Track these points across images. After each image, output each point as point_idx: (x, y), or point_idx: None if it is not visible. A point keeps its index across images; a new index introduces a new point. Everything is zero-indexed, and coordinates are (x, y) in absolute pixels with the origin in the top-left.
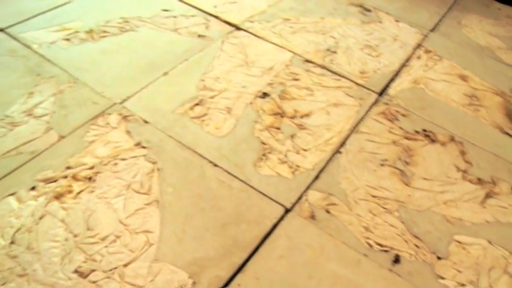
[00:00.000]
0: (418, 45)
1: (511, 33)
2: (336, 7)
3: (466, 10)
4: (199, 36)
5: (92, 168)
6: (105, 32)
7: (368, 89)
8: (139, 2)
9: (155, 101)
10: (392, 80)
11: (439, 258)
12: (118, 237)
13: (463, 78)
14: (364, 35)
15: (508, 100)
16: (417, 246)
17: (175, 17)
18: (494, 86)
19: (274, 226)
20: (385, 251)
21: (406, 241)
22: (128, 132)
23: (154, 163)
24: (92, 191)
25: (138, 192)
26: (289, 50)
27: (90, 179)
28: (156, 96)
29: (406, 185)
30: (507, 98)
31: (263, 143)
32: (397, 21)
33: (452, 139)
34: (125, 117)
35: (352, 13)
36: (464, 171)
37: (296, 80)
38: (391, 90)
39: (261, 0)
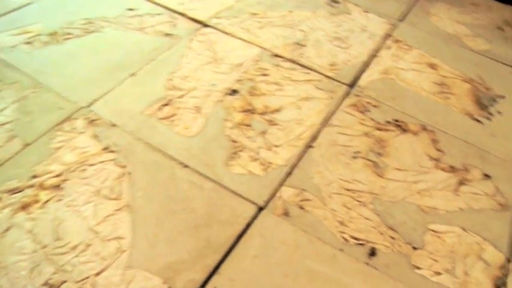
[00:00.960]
0: (387, 36)
1: (477, 20)
2: (303, 0)
3: None
4: (166, 34)
5: (59, 175)
6: (68, 34)
7: (338, 81)
8: (104, 2)
9: (123, 103)
10: (362, 71)
11: (414, 248)
12: (89, 245)
13: (432, 66)
14: (333, 27)
15: (477, 87)
16: (393, 237)
17: (140, 16)
18: (463, 73)
19: (248, 225)
20: (361, 244)
21: (381, 233)
22: (96, 136)
23: (123, 167)
24: (60, 200)
25: (107, 197)
26: (258, 45)
27: (57, 187)
28: (124, 98)
29: (380, 176)
30: (475, 84)
31: (234, 141)
32: (365, 12)
33: (423, 128)
34: (91, 121)
35: (321, 5)
36: (437, 160)
37: (265, 75)
38: (361, 82)
39: None
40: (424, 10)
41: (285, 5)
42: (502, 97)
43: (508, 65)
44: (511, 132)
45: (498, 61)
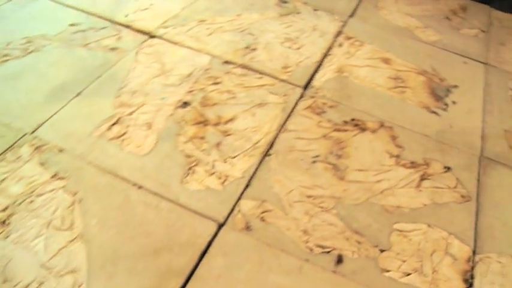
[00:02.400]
0: (339, 33)
1: (426, 11)
2: (252, 2)
3: None
4: (112, 49)
5: (5, 210)
6: (6, 55)
7: (292, 83)
8: (43, 19)
9: (70, 126)
10: (316, 71)
11: (381, 251)
12: (41, 283)
13: (386, 61)
14: (283, 28)
15: (431, 78)
16: (359, 242)
17: (84, 31)
18: (416, 65)
19: (209, 244)
20: (327, 252)
21: (347, 239)
22: (43, 163)
23: (74, 194)
24: (7, 236)
25: (59, 229)
26: (207, 53)
27: (3, 222)
28: (70, 120)
29: (341, 179)
30: (430, 76)
31: (188, 156)
32: (315, 10)
33: (382, 125)
34: (37, 148)
35: (269, 6)
36: (397, 157)
37: (217, 83)
38: (315, 82)
39: (174, 3)
40: (373, 4)
41: (233, 9)
42: (456, 87)
43: (458, 54)
44: (466, 121)
45: (449, 51)
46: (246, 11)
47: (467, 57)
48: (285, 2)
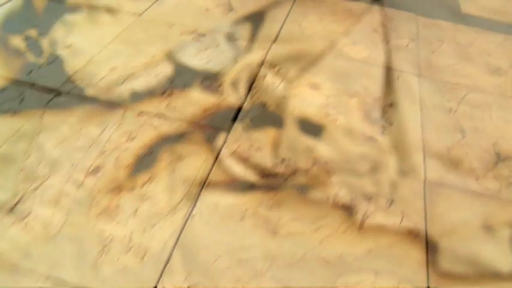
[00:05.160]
0: (262, 62)
1: (352, 26)
2: (167, 40)
3: (304, 10)
4: (13, 114)
5: None
6: None
7: (214, 127)
8: None
9: None
10: (239, 110)
11: None
12: None
13: (315, 87)
14: (203, 64)
15: (364, 99)
16: None
17: None
18: (348, 87)
19: None
20: None
21: None
22: None
23: None
24: None
25: None
26: (120, 106)
27: None
28: None
29: (274, 233)
30: (362, 97)
31: (102, 232)
32: (235, 40)
33: (315, 163)
34: None
35: (187, 42)
36: (334, 197)
37: (132, 139)
38: (240, 123)
39: (82, 53)
40: (297, 24)
41: (148, 50)
42: (391, 105)
43: (390, 69)
44: (406, 143)
45: (380, 66)
46: (161, 50)
47: (400, 71)
48: (203, 36)
